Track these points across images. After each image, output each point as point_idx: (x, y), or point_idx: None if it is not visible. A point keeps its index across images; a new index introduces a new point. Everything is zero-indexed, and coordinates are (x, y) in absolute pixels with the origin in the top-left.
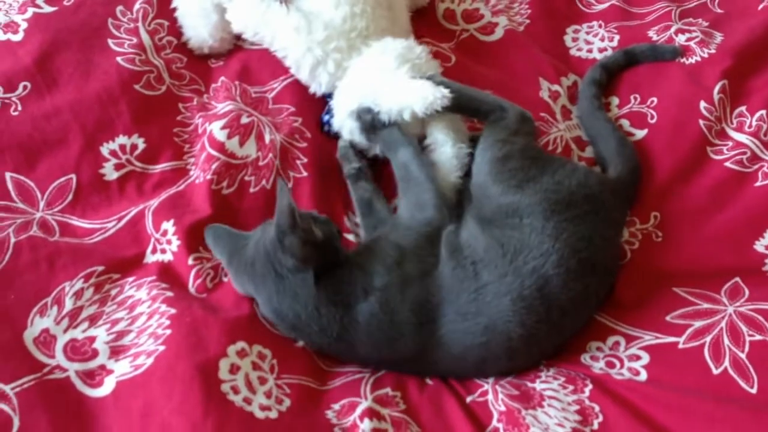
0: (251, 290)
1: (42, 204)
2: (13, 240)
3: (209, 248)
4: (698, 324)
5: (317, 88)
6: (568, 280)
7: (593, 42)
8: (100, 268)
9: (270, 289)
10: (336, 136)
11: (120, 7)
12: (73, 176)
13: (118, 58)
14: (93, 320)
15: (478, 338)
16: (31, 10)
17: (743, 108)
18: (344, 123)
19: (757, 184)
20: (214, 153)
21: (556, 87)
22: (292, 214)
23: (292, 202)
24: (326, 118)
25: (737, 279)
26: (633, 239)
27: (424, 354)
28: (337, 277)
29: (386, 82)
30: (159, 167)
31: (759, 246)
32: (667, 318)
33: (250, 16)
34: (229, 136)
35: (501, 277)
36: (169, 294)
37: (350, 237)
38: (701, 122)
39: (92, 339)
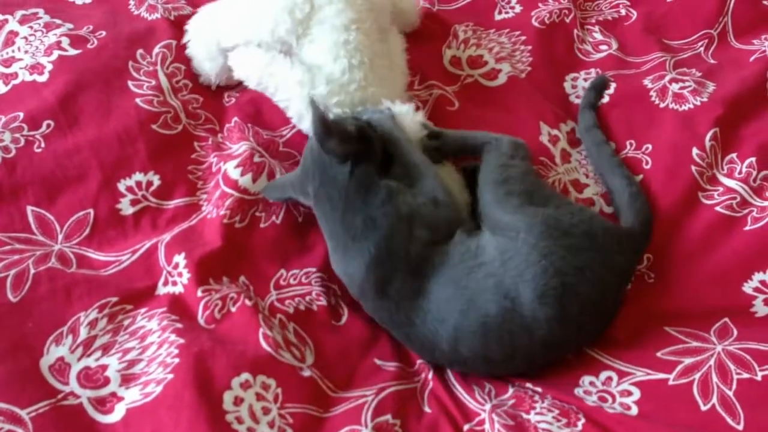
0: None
1: (61, 237)
2: (32, 271)
3: (218, 279)
4: (688, 361)
5: None
6: (543, 297)
7: None
8: (114, 299)
9: (316, 181)
10: None
11: (140, 51)
12: (91, 211)
13: (137, 99)
14: (106, 349)
15: (459, 305)
16: (56, 53)
17: (734, 155)
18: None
19: (747, 228)
20: (228, 190)
21: (555, 131)
22: (325, 122)
23: (323, 113)
24: None
25: (726, 319)
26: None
27: (407, 305)
28: (371, 176)
29: None
30: (173, 203)
31: (747, 288)
32: (658, 354)
33: (254, 68)
34: (243, 174)
35: (492, 263)
36: (179, 325)
37: None
38: (693, 168)
39: (104, 367)
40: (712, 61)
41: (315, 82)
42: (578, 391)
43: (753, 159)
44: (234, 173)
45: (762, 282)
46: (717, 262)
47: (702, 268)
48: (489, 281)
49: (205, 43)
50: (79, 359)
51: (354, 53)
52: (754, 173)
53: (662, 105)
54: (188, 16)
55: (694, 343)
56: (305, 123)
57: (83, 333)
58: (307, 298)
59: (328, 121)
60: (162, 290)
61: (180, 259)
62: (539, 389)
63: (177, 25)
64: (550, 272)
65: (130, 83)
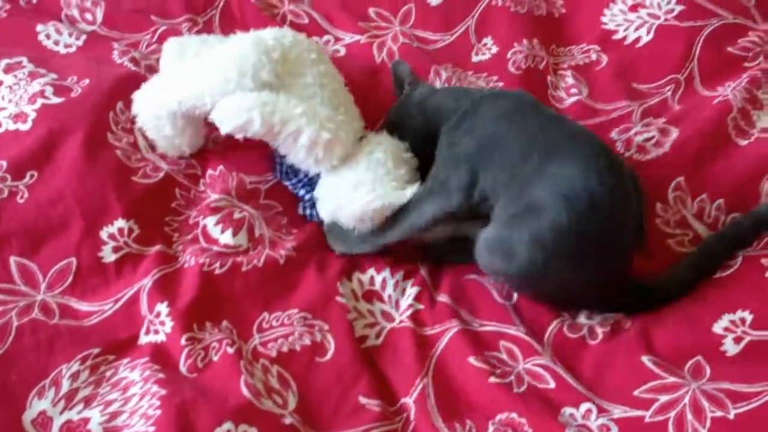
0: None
1: (43, 286)
2: (15, 323)
3: (201, 326)
4: (663, 399)
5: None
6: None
7: None
8: (96, 350)
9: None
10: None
11: (120, 104)
12: (74, 259)
13: (117, 151)
14: (88, 402)
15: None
16: (40, 101)
17: (704, 195)
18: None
19: (716, 276)
20: (206, 245)
21: None
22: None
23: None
24: (309, 212)
25: (699, 358)
26: (605, 321)
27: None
28: None
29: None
30: (154, 249)
31: (717, 328)
32: (635, 393)
33: (254, 111)
34: (223, 231)
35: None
36: (161, 375)
37: None
38: (657, 221)
39: (86, 420)
40: (677, 107)
41: (315, 110)
42: (560, 419)
43: (721, 201)
44: (214, 231)
45: (732, 322)
46: (688, 302)
47: (674, 308)
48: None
49: (167, 112)
50: (61, 412)
51: (332, 81)
52: (723, 217)
53: (627, 154)
54: None
55: (671, 379)
56: (317, 148)
57: (65, 385)
58: (290, 338)
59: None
60: (144, 339)
61: (162, 307)
62: (524, 420)
63: None
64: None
65: (109, 136)
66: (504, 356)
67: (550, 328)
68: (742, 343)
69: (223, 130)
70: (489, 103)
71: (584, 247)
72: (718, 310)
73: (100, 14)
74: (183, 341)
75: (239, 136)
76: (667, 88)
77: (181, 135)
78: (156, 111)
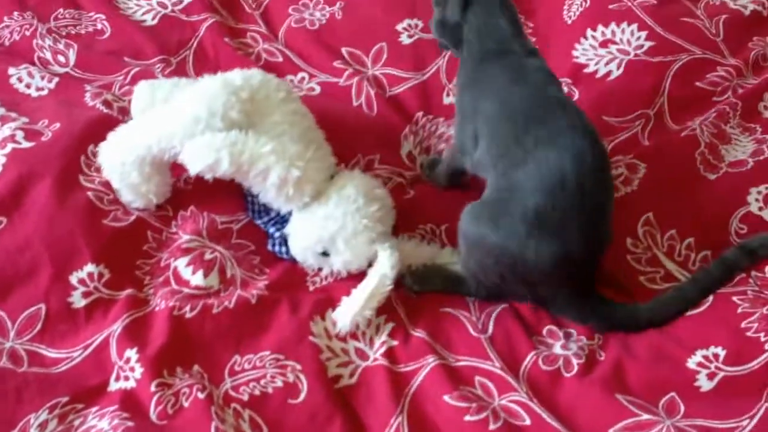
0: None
1: (12, 333)
2: None
3: (172, 372)
4: None
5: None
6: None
7: None
8: (65, 399)
9: None
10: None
11: (91, 147)
12: (43, 306)
13: (89, 194)
14: None
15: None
16: (10, 146)
17: (673, 231)
18: (306, 255)
19: (688, 313)
20: (177, 288)
21: None
22: None
23: None
24: (279, 249)
25: (673, 394)
26: (580, 352)
27: None
28: None
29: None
30: (124, 293)
31: (691, 363)
32: (610, 431)
33: (223, 151)
34: (194, 272)
35: None
36: (130, 423)
37: None
38: (629, 258)
39: None
40: (646, 143)
41: (284, 148)
42: None
43: (691, 240)
44: (185, 272)
45: (705, 357)
46: (662, 337)
47: (648, 342)
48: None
49: (135, 158)
50: None
51: (302, 120)
52: (693, 255)
53: None
54: None
55: (645, 416)
56: (287, 188)
57: None
58: (262, 381)
59: None
60: (114, 386)
61: (132, 353)
62: None
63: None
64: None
65: (81, 178)
66: (479, 392)
67: (525, 361)
68: (716, 379)
69: (192, 170)
70: (501, 65)
71: (566, 223)
72: (691, 346)
73: (73, 56)
74: (153, 387)
75: (209, 176)
76: (637, 122)
77: (147, 182)
78: (122, 158)
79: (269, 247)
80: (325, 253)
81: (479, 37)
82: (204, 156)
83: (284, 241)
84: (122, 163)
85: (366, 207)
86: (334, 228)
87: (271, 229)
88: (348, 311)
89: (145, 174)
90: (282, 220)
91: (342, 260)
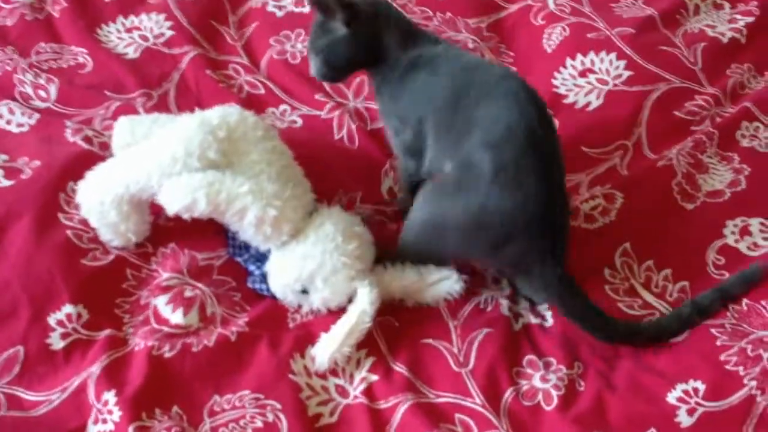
0: None
1: None
2: None
3: (150, 414)
4: None
5: (264, 244)
6: None
7: None
8: None
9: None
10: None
11: (71, 183)
12: (21, 348)
13: (68, 231)
14: None
15: None
16: None
17: (650, 262)
18: (285, 293)
19: (668, 344)
20: (157, 326)
21: None
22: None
23: None
24: (259, 286)
25: (653, 430)
26: (560, 383)
27: None
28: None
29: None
30: (102, 333)
31: (671, 398)
32: None
33: (199, 191)
34: (173, 310)
35: None
36: None
37: None
38: (606, 287)
39: None
40: (625, 173)
41: (261, 187)
42: None
43: (669, 271)
44: (165, 310)
45: (685, 392)
46: (641, 371)
47: (627, 376)
48: None
49: (113, 197)
50: None
51: (280, 158)
52: (670, 286)
53: (574, 224)
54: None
55: None
56: (265, 225)
57: None
58: (242, 422)
59: None
60: (92, 429)
61: (110, 396)
62: None
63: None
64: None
65: (60, 216)
66: (459, 430)
67: (505, 396)
68: (696, 415)
69: (170, 210)
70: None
71: (523, 171)
72: (671, 379)
73: (54, 91)
74: (131, 430)
75: (186, 216)
76: (616, 153)
77: (126, 221)
78: (101, 197)
79: (249, 284)
80: (304, 291)
81: (397, 46)
82: (181, 197)
83: (264, 278)
84: (101, 203)
85: (345, 245)
86: (313, 266)
87: (251, 267)
88: (327, 348)
89: (123, 213)
90: (262, 257)
91: (321, 298)
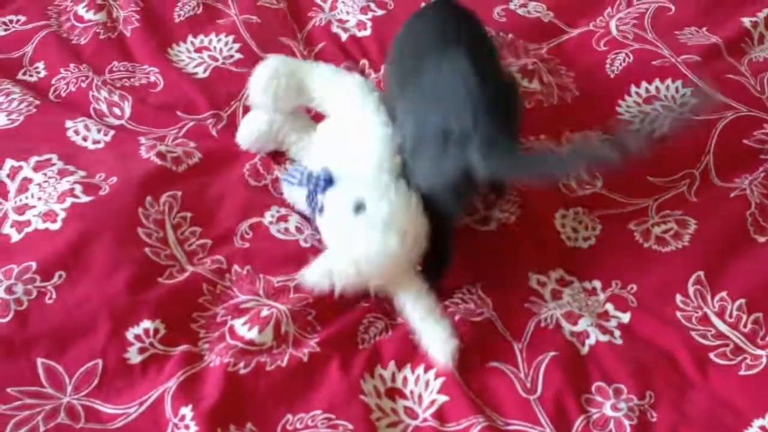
0: None
1: (69, 389)
2: (42, 429)
3: (225, 429)
4: None
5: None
6: None
7: (579, 230)
8: None
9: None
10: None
11: (149, 198)
12: (100, 361)
13: (146, 249)
14: None
15: None
16: (69, 200)
17: (724, 293)
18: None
19: (741, 372)
20: (232, 343)
21: (543, 278)
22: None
23: None
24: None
25: None
26: (631, 414)
27: None
28: None
29: None
30: (179, 349)
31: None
32: None
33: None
34: (249, 329)
35: None
36: None
37: None
38: (678, 314)
39: None
40: (694, 200)
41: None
42: None
43: (743, 301)
44: (242, 330)
45: (761, 428)
46: (717, 404)
47: (703, 408)
48: None
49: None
50: None
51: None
52: (744, 317)
53: (645, 245)
54: (195, 166)
55: None
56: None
57: None
58: None
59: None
60: None
61: (187, 411)
62: None
63: (182, 177)
64: None
65: (140, 230)
66: None
67: (576, 424)
68: None
69: None
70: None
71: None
72: (748, 414)
73: (128, 108)
74: None
75: None
76: (683, 182)
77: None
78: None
79: (282, 177)
80: (359, 207)
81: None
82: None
83: (306, 176)
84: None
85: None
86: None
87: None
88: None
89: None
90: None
91: (378, 214)
